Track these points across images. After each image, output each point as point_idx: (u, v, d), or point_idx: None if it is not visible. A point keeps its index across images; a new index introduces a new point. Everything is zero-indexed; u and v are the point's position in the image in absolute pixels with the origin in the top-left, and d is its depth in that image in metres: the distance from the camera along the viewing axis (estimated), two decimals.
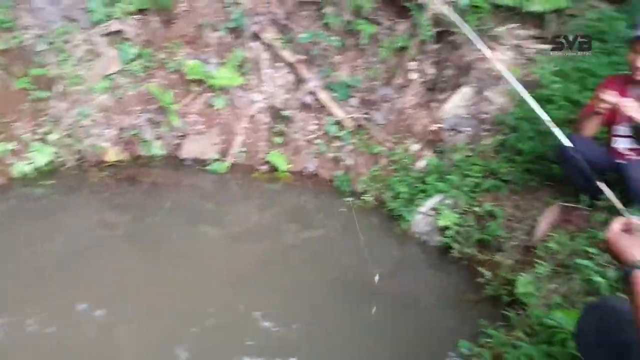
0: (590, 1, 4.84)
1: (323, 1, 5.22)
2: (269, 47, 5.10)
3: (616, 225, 1.58)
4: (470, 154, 4.14)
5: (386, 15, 5.31)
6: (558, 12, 4.60)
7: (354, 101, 5.01)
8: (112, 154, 4.77)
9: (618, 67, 4.11)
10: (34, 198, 4.47)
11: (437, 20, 4.72)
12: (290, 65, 5.09)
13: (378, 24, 5.20)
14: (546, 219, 3.36)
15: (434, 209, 3.93)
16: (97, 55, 4.88)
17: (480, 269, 3.45)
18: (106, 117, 4.79)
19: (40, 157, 4.59)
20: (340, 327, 3.09)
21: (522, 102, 4.22)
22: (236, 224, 4.35)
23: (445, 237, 3.78)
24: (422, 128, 4.58)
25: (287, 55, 5.07)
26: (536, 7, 4.56)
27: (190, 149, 4.85)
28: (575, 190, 3.27)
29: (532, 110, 4.01)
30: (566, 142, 2.94)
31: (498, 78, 4.38)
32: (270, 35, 5.06)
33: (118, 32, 5.01)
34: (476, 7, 4.34)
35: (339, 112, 4.91)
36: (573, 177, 3.19)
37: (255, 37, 5.06)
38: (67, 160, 4.72)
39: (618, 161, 2.97)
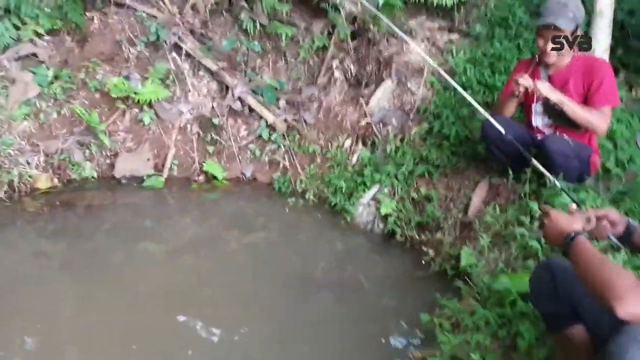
0: None
1: (237, 7, 5.30)
2: (190, 57, 5.10)
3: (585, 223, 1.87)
4: (400, 144, 4.38)
5: (302, 17, 5.48)
6: (463, 3, 4.94)
7: (282, 103, 5.13)
8: (44, 181, 4.59)
9: (523, 50, 4.52)
10: None
11: (353, 18, 4.94)
12: (214, 73, 5.12)
13: (295, 25, 5.35)
14: (477, 196, 3.66)
15: (374, 199, 4.15)
16: (11, 82, 4.67)
17: (424, 248, 3.71)
18: (31, 144, 4.61)
19: None
20: (289, 324, 3.11)
21: (440, 91, 4.55)
22: (176, 238, 4.31)
23: (388, 224, 4.01)
24: (352, 124, 4.78)
25: (209, 63, 5.10)
26: (442, 0, 4.86)
27: (123, 168, 4.77)
28: (500, 167, 3.58)
29: (451, 98, 4.35)
30: (500, 128, 3.18)
31: (417, 70, 4.67)
32: (190, 45, 5.06)
33: (30, 55, 4.83)
34: (389, 4, 4.58)
35: (268, 116, 5.01)
36: (496, 155, 3.49)
37: (176, 48, 5.05)
38: None
39: (538, 137, 3.29)
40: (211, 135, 5.05)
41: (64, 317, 3.21)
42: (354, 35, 5.06)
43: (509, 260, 2.94)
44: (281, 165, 4.98)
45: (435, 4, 4.87)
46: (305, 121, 4.99)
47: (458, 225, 3.64)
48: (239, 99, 5.04)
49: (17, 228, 4.31)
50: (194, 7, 5.18)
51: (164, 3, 5.12)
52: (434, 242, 3.69)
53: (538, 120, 3.34)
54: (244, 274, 3.72)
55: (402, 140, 4.42)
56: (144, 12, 5.01)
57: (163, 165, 4.90)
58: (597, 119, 3.06)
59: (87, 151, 4.78)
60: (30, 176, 4.54)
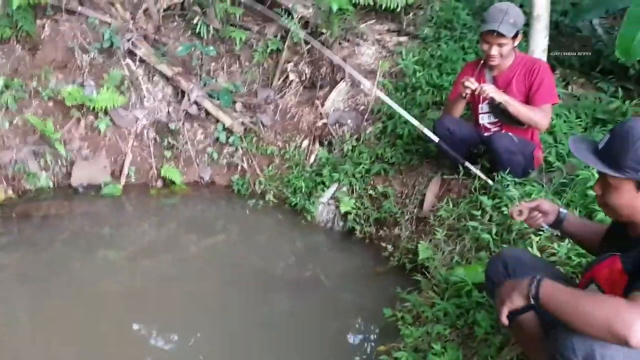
0: None
1: (190, 12, 5.33)
2: (144, 62, 5.10)
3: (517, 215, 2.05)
4: (357, 144, 4.54)
5: (254, 21, 5.55)
6: (409, 6, 5.14)
7: (238, 106, 5.19)
8: None
9: (467, 51, 4.75)
10: None
11: (306, 22, 5.06)
12: (169, 78, 5.14)
13: (248, 29, 5.43)
14: (431, 191, 3.85)
15: (333, 197, 4.30)
16: None
17: (382, 244, 3.88)
18: None
19: None
20: (250, 325, 3.16)
21: (392, 92, 4.73)
22: (135, 244, 4.33)
23: (347, 221, 4.16)
24: (309, 125, 4.90)
25: (164, 68, 5.10)
26: (389, 3, 5.03)
27: (80, 176, 4.73)
28: (451, 163, 3.79)
29: (402, 99, 4.54)
30: (434, 138, 3.35)
31: (369, 72, 4.83)
32: (144, 51, 5.06)
33: None
34: (340, 9, 4.72)
35: (225, 119, 5.07)
36: (448, 153, 3.70)
37: (130, 54, 5.03)
38: None
39: (485, 134, 3.51)
40: (168, 140, 5.07)
41: (21, 328, 3.19)
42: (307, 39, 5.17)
43: (463, 252, 3.14)
44: (239, 168, 5.05)
45: (383, 8, 5.04)
46: (262, 123, 5.07)
47: (414, 220, 3.83)
48: (195, 103, 5.07)
49: None
50: (146, 13, 5.17)
51: (116, 9, 5.09)
52: (392, 238, 3.87)
53: (484, 119, 3.55)
54: (204, 277, 3.76)
55: (357, 139, 4.58)
56: (96, 18, 4.96)
57: (120, 172, 4.89)
58: (539, 116, 3.30)
59: (42, 161, 4.72)
60: None
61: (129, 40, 4.98)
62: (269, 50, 5.28)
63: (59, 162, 4.77)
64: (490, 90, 3.21)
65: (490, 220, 3.17)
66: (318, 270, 3.97)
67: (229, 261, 4.01)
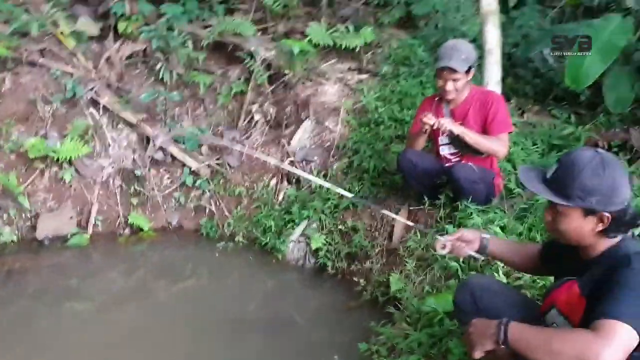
0: (389, 31, 5.66)
1: (153, 59, 5.39)
2: (108, 111, 5.11)
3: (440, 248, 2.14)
4: (324, 179, 4.59)
5: (217, 64, 5.65)
6: (367, 45, 5.31)
7: (204, 149, 5.22)
8: None
9: (426, 86, 4.91)
10: None
11: (268, 64, 5.17)
12: (133, 125, 5.15)
13: (211, 73, 5.51)
14: (399, 223, 3.91)
15: (303, 234, 4.32)
16: None
17: (355, 278, 3.90)
18: None
19: None
20: None
21: (357, 128, 4.84)
22: (103, 295, 4.22)
23: (318, 257, 4.18)
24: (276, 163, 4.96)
25: (129, 116, 5.12)
26: (349, 43, 5.20)
27: (45, 228, 4.64)
28: (417, 194, 3.87)
29: (366, 134, 4.65)
30: (348, 195, 3.39)
31: (333, 109, 4.94)
32: (107, 99, 5.07)
33: None
34: (302, 51, 4.86)
35: (192, 163, 5.08)
36: (413, 185, 3.80)
37: (93, 103, 5.04)
38: None
39: (446, 165, 3.61)
40: (134, 187, 5.04)
41: None
42: (270, 79, 5.28)
43: (433, 281, 3.19)
44: (207, 210, 5.05)
45: (343, 47, 5.20)
46: (229, 165, 5.10)
47: (384, 252, 3.88)
48: (161, 148, 5.08)
49: None
50: (108, 61, 5.21)
51: (77, 59, 5.11)
52: (364, 271, 3.90)
53: (445, 150, 3.67)
54: (175, 325, 3.69)
55: (325, 175, 4.64)
56: (58, 69, 4.97)
57: (87, 222, 4.83)
58: (497, 145, 3.42)
59: (5, 215, 4.63)
60: None
61: (91, 89, 5.00)
62: (233, 92, 5.36)
63: (23, 216, 4.69)
64: (447, 124, 3.33)
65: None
66: (291, 310, 3.94)
67: (199, 306, 3.96)
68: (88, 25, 5.30)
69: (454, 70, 3.36)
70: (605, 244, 1.71)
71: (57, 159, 4.71)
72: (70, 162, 4.82)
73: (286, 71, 5.06)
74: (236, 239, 4.73)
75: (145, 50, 5.46)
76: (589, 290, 1.68)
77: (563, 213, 1.70)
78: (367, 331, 3.14)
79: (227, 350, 3.34)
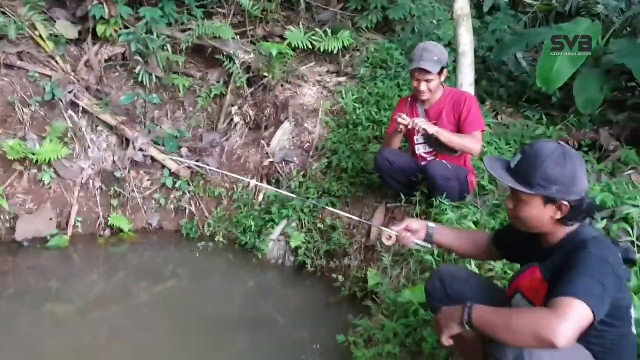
0: (367, 35, 5.77)
1: (132, 61, 5.41)
2: (87, 113, 5.12)
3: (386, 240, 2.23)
4: (303, 179, 4.67)
5: (196, 67, 5.70)
6: (345, 48, 5.41)
7: (184, 151, 5.25)
8: None
9: (402, 87, 5.03)
10: None
11: (247, 66, 5.23)
12: (113, 127, 5.16)
13: (191, 76, 5.56)
14: (376, 220, 4.00)
15: (283, 234, 4.38)
16: None
17: (333, 275, 3.99)
18: None
19: None
20: None
21: (335, 129, 4.92)
22: (83, 296, 4.22)
23: (298, 256, 4.25)
24: (255, 164, 5.02)
25: (108, 118, 5.13)
26: (327, 46, 5.29)
27: (25, 230, 4.63)
28: (394, 192, 3.96)
29: (345, 135, 4.74)
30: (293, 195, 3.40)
31: (312, 110, 5.03)
32: (86, 101, 5.08)
33: None
34: (280, 53, 4.93)
35: (171, 164, 5.12)
36: (389, 182, 3.88)
37: (72, 105, 5.05)
38: None
39: (422, 163, 3.71)
40: (114, 188, 5.05)
41: None
42: (249, 82, 5.34)
43: (409, 275, 3.28)
44: (187, 211, 5.08)
45: (322, 50, 5.29)
46: (208, 166, 5.14)
47: (362, 249, 3.96)
48: (140, 150, 5.10)
49: None
50: (87, 64, 5.22)
51: (56, 62, 5.12)
52: (343, 268, 3.98)
53: (420, 149, 3.77)
54: (156, 325, 3.69)
55: (304, 175, 4.72)
56: (36, 72, 4.97)
57: (67, 224, 4.82)
58: (470, 143, 3.52)
59: None
60: None
61: (70, 92, 5.00)
62: (212, 95, 5.41)
63: (2, 217, 4.67)
64: (422, 123, 3.43)
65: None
66: (271, 307, 4.00)
67: (180, 306, 3.97)
68: (66, 28, 5.30)
69: (426, 71, 3.47)
70: (564, 231, 1.81)
71: (36, 161, 4.70)
72: (49, 164, 4.81)
73: (265, 74, 5.13)
74: (216, 238, 4.77)
75: (124, 53, 5.48)
76: (550, 274, 1.77)
77: (524, 201, 1.79)
78: (346, 325, 3.21)
79: (209, 349, 3.37)
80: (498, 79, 5.90)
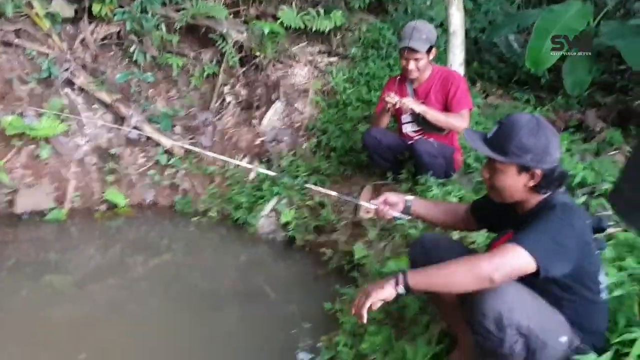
0: (359, 15, 5.83)
1: (127, 41, 5.48)
2: (84, 91, 5.20)
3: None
4: (294, 158, 4.78)
5: (190, 47, 5.76)
6: (337, 28, 5.48)
7: (177, 129, 5.35)
8: None
9: (393, 67, 5.11)
10: None
11: (240, 46, 5.31)
12: (108, 105, 5.25)
13: (184, 55, 5.63)
14: (363, 198, 4.11)
15: (274, 210, 4.50)
16: None
17: (322, 249, 4.10)
18: None
19: None
20: (199, 342, 3.18)
21: (325, 109, 5.02)
22: (81, 269, 4.33)
23: (288, 231, 4.37)
24: (247, 143, 5.12)
25: (103, 96, 5.22)
26: (319, 26, 5.36)
27: (24, 203, 4.74)
28: (381, 171, 4.08)
29: (334, 115, 4.83)
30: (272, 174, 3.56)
31: (303, 91, 5.11)
32: (82, 79, 5.16)
33: None
34: (272, 32, 5.00)
35: (165, 142, 5.21)
36: (377, 160, 3.99)
37: (69, 83, 5.13)
38: None
39: (409, 142, 3.81)
40: (110, 165, 5.15)
41: None
42: (242, 62, 5.42)
43: (394, 248, 3.40)
44: (181, 188, 5.19)
45: (314, 30, 5.36)
46: (201, 144, 5.25)
47: (350, 225, 4.08)
48: (135, 128, 5.20)
49: None
50: (83, 43, 5.28)
51: (53, 40, 5.18)
52: (331, 243, 4.09)
53: (408, 128, 3.87)
54: (152, 298, 3.80)
55: (294, 154, 4.83)
56: (33, 50, 5.04)
57: (64, 198, 4.93)
58: (457, 121, 3.62)
59: None
60: None
61: (67, 70, 5.08)
62: (205, 74, 5.49)
63: (2, 191, 4.78)
64: (409, 102, 3.53)
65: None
66: (262, 280, 4.13)
67: (175, 279, 4.09)
68: (62, 6, 5.35)
69: (415, 50, 3.56)
70: (537, 198, 1.91)
71: (34, 137, 4.80)
72: (47, 140, 4.91)
73: (257, 53, 5.21)
74: (209, 214, 4.88)
75: (119, 32, 5.54)
76: None
77: (500, 169, 1.89)
78: (333, 295, 3.34)
79: (203, 320, 3.46)
80: (489, 61, 5.98)
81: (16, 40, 5.06)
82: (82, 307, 3.69)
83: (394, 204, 2.33)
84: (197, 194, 5.09)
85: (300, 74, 5.27)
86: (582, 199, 3.14)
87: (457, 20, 4.59)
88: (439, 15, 5.73)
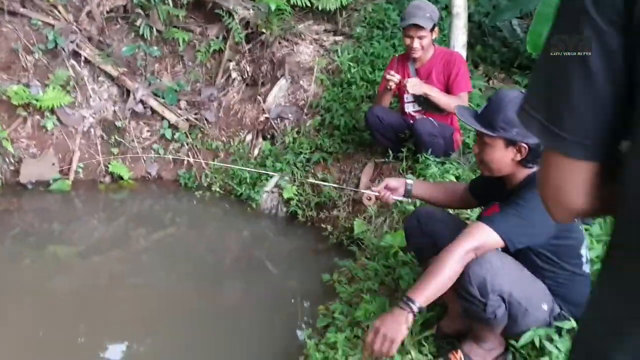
0: None
1: (133, 14, 5.50)
2: (89, 63, 5.24)
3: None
4: (297, 136, 4.85)
5: (196, 22, 5.78)
6: (344, 7, 5.50)
7: (182, 104, 5.40)
8: None
9: (397, 48, 5.15)
10: None
11: (247, 22, 5.34)
12: (114, 78, 5.29)
13: (190, 30, 5.65)
14: (365, 175, 4.20)
15: (276, 186, 4.59)
16: None
17: (323, 225, 4.20)
18: None
19: None
20: (202, 315, 3.22)
21: (330, 87, 5.07)
22: (85, 240, 4.41)
23: (290, 207, 4.46)
24: (252, 120, 5.18)
25: (109, 69, 5.26)
26: (326, 5, 5.38)
27: (29, 173, 4.82)
28: (382, 149, 4.15)
29: (339, 93, 4.88)
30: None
31: (308, 69, 5.16)
32: (88, 52, 5.20)
33: None
34: (279, 10, 5.04)
35: (170, 116, 5.27)
36: (378, 139, 4.06)
37: (75, 55, 5.16)
38: None
39: (410, 121, 3.88)
40: (115, 137, 5.22)
41: None
42: (248, 38, 5.45)
43: (392, 224, 3.49)
44: (185, 162, 5.26)
45: (320, 9, 5.39)
46: (206, 120, 5.31)
47: (350, 202, 4.17)
48: (141, 101, 5.25)
49: None
50: (89, 15, 5.30)
51: (58, 11, 5.20)
52: (331, 219, 4.19)
53: (409, 107, 3.94)
54: (155, 271, 3.87)
55: (298, 132, 4.89)
56: (39, 20, 5.07)
57: (69, 169, 5.00)
58: (457, 103, 3.68)
59: None
60: None
61: (73, 41, 5.11)
62: (211, 50, 5.52)
63: (7, 160, 4.85)
64: (411, 82, 3.60)
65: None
66: (264, 253, 4.24)
67: (179, 252, 4.17)
68: None
69: (419, 27, 3.61)
70: (524, 173, 1.99)
71: (40, 107, 4.85)
72: (52, 111, 4.97)
73: (263, 30, 5.23)
74: (213, 189, 4.97)
75: (125, 5, 5.55)
76: None
77: (488, 144, 1.97)
78: (332, 267, 3.45)
79: (206, 291, 3.55)
80: (492, 45, 6.00)
81: (22, 10, 5.08)
82: (84, 278, 3.76)
83: (395, 188, 2.43)
84: (201, 169, 5.17)
85: (306, 52, 5.31)
86: None
87: (460, 2, 4.60)
88: None
